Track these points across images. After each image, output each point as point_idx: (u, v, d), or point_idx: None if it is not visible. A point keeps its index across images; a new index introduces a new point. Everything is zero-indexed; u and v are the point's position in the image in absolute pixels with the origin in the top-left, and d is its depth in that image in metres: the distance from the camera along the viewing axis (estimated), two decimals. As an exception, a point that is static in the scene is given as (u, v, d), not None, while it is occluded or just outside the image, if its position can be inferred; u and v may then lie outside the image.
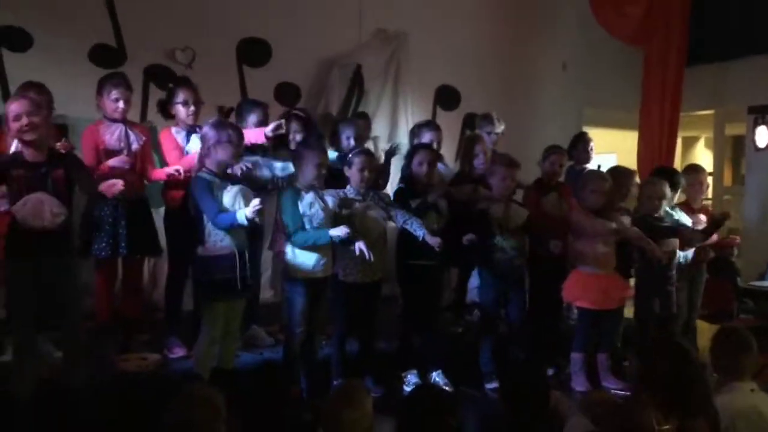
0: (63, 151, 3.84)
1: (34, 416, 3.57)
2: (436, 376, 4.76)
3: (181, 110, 4.65)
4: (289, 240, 4.24)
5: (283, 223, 4.28)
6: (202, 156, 4.01)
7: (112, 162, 4.27)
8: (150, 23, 5.69)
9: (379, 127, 6.60)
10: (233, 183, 4.00)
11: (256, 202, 3.82)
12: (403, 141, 6.54)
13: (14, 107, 3.61)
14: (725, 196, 8.87)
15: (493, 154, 5.44)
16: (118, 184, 3.87)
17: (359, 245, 4.21)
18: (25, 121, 3.58)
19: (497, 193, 4.89)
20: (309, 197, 4.23)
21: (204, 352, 3.99)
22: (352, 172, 4.50)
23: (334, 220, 4.31)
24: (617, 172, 5.44)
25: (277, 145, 5.08)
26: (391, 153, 5.28)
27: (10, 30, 5.21)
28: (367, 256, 4.22)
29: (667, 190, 5.20)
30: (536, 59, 7.80)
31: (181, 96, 4.66)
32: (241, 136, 4.10)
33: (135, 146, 4.42)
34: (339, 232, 4.16)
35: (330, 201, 4.32)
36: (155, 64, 5.77)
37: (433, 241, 4.44)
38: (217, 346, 4.03)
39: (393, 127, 6.67)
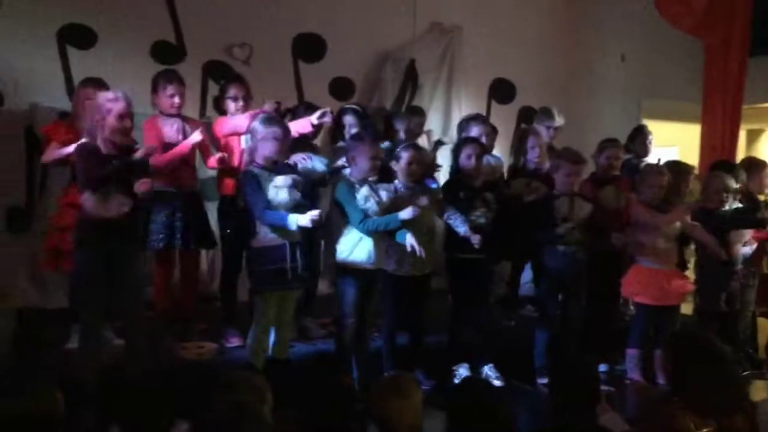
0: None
1: (98, 402, 3.70)
2: (488, 370, 4.77)
3: (231, 105, 4.76)
4: (357, 228, 4.25)
5: (341, 215, 4.32)
6: (251, 150, 4.10)
7: (193, 138, 4.40)
8: (208, 20, 5.83)
9: (432, 121, 6.60)
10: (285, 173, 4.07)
11: (315, 213, 3.87)
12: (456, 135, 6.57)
13: (121, 106, 3.72)
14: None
15: (560, 150, 5.36)
16: (146, 183, 3.87)
17: (410, 241, 4.22)
18: (128, 123, 3.75)
19: (562, 188, 4.85)
20: (364, 191, 4.25)
21: (256, 342, 4.08)
22: (400, 167, 4.51)
23: (388, 213, 4.34)
24: (675, 167, 5.34)
25: (332, 139, 5.15)
26: (435, 147, 5.27)
27: (74, 27, 5.39)
28: (418, 252, 4.24)
29: (733, 183, 5.09)
30: (594, 51, 7.70)
31: (231, 91, 4.77)
32: (287, 132, 4.15)
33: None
34: (408, 213, 4.17)
35: (384, 195, 4.35)
36: (214, 60, 5.90)
37: (474, 238, 4.44)
38: (269, 335, 4.11)
39: (446, 121, 6.66)
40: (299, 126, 4.63)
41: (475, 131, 5.27)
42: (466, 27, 6.81)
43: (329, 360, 4.43)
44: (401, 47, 6.65)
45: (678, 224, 4.87)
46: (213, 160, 4.60)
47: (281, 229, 3.96)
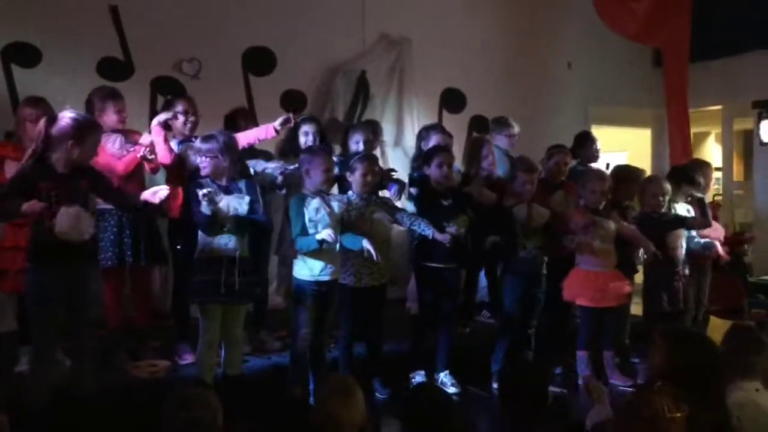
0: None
1: (48, 425, 3.65)
2: (444, 377, 4.80)
3: (178, 120, 4.73)
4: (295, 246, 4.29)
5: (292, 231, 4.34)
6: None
7: (145, 138, 4.38)
8: (156, 35, 5.79)
9: (385, 132, 6.65)
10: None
11: (204, 191, 3.85)
12: (410, 144, 6.64)
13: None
14: (736, 191, 8.83)
15: (515, 159, 5.45)
16: (164, 189, 3.83)
17: (366, 246, 4.25)
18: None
19: (520, 196, 4.92)
20: (315, 202, 4.27)
21: (203, 356, 4.07)
22: (355, 177, 4.54)
23: (341, 224, 4.37)
24: (625, 171, 5.46)
25: (286, 149, 5.16)
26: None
27: (18, 46, 5.34)
28: (375, 257, 4.26)
29: (669, 186, 5.22)
30: (541, 59, 7.81)
31: (179, 107, 4.74)
32: (228, 147, 4.13)
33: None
34: (323, 236, 4.13)
35: (336, 206, 4.37)
36: (162, 75, 5.86)
37: (442, 237, 4.48)
38: (216, 350, 4.10)
39: (399, 131, 6.72)
40: (261, 133, 4.65)
41: (435, 140, 5.33)
42: (415, 38, 6.88)
43: (285, 374, 4.42)
44: (352, 59, 6.69)
45: (613, 226, 4.97)
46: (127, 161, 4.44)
47: (222, 238, 4.00)
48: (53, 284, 3.63)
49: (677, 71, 7.31)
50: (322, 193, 4.34)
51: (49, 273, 3.64)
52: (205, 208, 3.87)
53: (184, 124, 4.72)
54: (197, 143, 4.17)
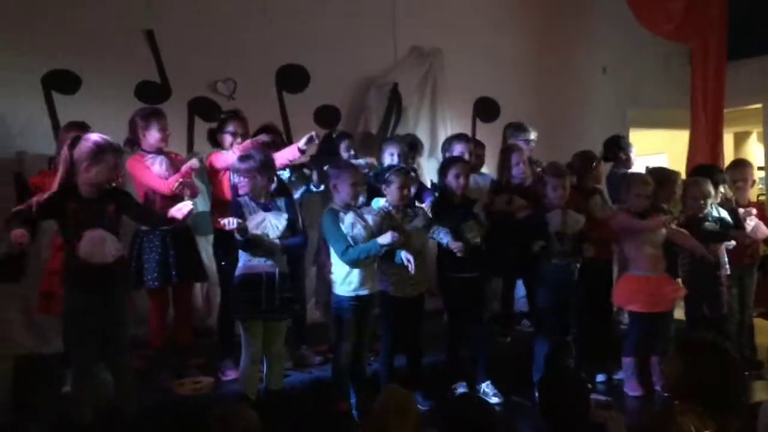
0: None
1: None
2: (486, 387, 4.77)
3: (228, 140, 4.82)
4: (341, 259, 4.31)
5: (327, 245, 4.37)
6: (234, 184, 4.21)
7: (188, 165, 4.46)
8: (191, 57, 5.90)
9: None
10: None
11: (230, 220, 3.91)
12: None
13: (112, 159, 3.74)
14: (780, 189, 8.65)
15: (545, 166, 5.41)
16: (188, 205, 3.93)
17: (405, 255, 4.26)
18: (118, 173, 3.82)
19: (553, 202, 4.89)
20: (349, 218, 4.30)
21: (245, 372, 4.12)
22: (391, 190, 4.56)
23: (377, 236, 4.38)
24: (660, 174, 5.39)
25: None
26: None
27: (58, 73, 5.48)
28: (411, 268, 4.27)
29: (711, 189, 5.13)
30: (575, 64, 7.77)
31: (231, 126, 4.84)
32: (265, 164, 4.20)
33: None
34: (387, 239, 4.20)
35: (370, 219, 4.40)
36: (199, 96, 5.97)
37: (455, 246, 4.48)
38: (259, 365, 4.14)
39: (433, 143, 6.71)
40: (288, 154, 4.68)
41: (458, 149, 5.33)
42: (446, 48, 6.88)
43: (326, 387, 4.44)
44: (383, 72, 6.72)
45: (663, 231, 4.90)
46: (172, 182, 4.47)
47: (264, 255, 4.05)
48: (85, 306, 3.69)
49: (714, 70, 7.18)
50: (353, 208, 4.37)
51: (80, 295, 3.70)
52: (237, 236, 3.93)
53: (231, 144, 4.78)
54: (235, 162, 4.22)
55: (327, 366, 4.69)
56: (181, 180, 4.38)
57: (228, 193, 4.70)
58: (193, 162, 4.52)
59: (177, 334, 4.71)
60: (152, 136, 4.55)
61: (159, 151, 4.59)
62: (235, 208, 4.08)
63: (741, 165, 5.80)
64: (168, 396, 4.36)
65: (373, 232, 4.34)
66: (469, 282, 4.74)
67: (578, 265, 4.90)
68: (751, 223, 5.31)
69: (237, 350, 4.66)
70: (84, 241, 3.63)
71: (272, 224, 4.10)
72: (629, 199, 4.97)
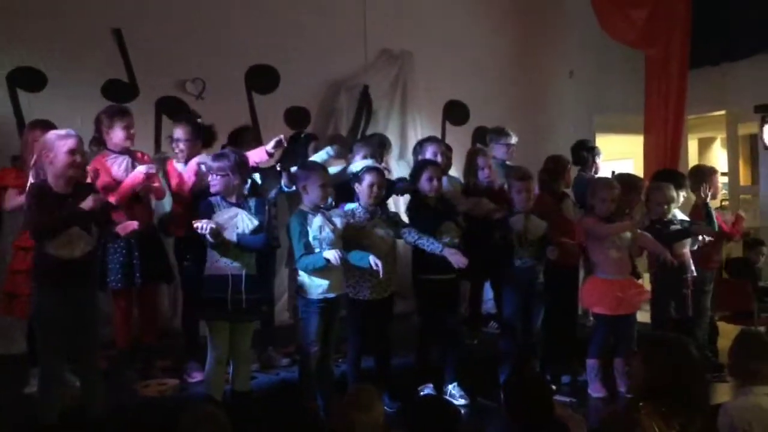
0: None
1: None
2: (452, 389, 4.80)
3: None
4: (297, 264, 4.32)
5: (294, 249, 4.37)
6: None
7: (141, 169, 4.39)
8: (159, 56, 5.85)
9: (389, 146, 6.68)
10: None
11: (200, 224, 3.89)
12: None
13: (71, 142, 3.69)
14: (742, 195, 8.81)
15: (509, 169, 5.48)
16: (133, 224, 3.95)
17: (373, 260, 4.26)
18: (78, 158, 3.72)
19: (518, 206, 4.95)
20: (317, 220, 4.30)
21: (211, 373, 4.09)
22: (362, 188, 4.58)
23: (343, 239, 4.39)
24: (626, 179, 5.47)
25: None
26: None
27: (24, 70, 5.40)
28: (380, 273, 4.28)
29: (674, 194, 5.23)
30: (543, 69, 7.85)
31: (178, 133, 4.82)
32: (239, 165, 4.17)
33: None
34: (330, 255, 4.17)
35: (338, 221, 4.40)
36: (167, 96, 5.92)
37: (456, 260, 4.50)
38: (224, 366, 4.12)
39: (403, 145, 6.74)
40: (255, 156, 4.67)
41: (430, 151, 5.36)
42: (416, 52, 6.92)
43: (293, 389, 4.43)
44: (354, 74, 6.73)
45: (629, 234, 4.98)
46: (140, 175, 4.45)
47: (230, 256, 4.02)
48: (53, 306, 3.66)
49: (676, 77, 7.30)
50: (322, 209, 4.37)
51: (50, 294, 3.68)
52: (210, 238, 3.91)
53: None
54: (209, 161, 4.18)
55: (294, 368, 4.68)
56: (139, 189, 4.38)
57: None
58: (142, 168, 4.43)
59: (142, 334, 4.67)
60: (116, 135, 4.50)
61: (124, 151, 4.55)
62: (205, 209, 4.05)
63: (701, 171, 5.92)
64: (133, 397, 4.32)
65: (341, 235, 4.35)
66: (444, 283, 4.77)
67: (542, 268, 4.96)
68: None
69: (203, 352, 4.63)
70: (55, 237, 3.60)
71: (244, 220, 4.07)
72: (595, 203, 5.04)
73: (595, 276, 5.05)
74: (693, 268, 5.33)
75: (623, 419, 2.67)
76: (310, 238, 4.26)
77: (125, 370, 4.53)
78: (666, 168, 6.51)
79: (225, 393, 4.15)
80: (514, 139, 5.98)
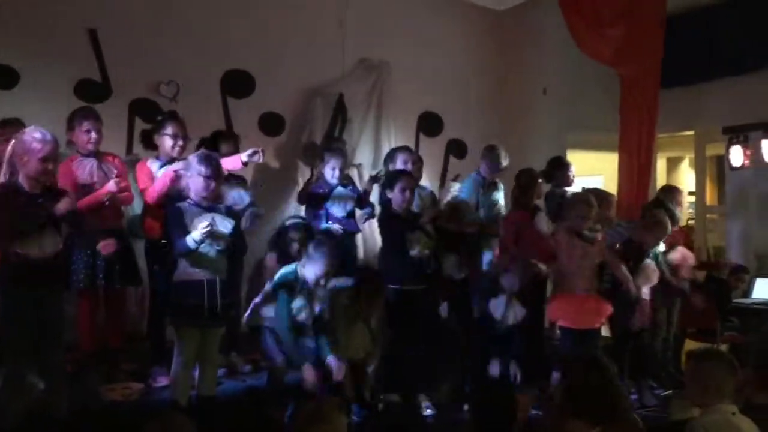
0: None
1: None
2: (420, 398, 4.78)
3: (168, 142, 4.72)
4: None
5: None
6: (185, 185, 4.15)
7: (108, 188, 4.36)
8: (134, 58, 5.81)
9: (363, 155, 6.72)
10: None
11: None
12: (387, 167, 6.69)
13: (47, 149, 3.64)
14: (709, 215, 8.95)
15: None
16: (111, 245, 4.03)
17: (334, 363, 4.31)
18: (51, 166, 3.69)
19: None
20: (299, 302, 4.33)
21: (177, 378, 4.05)
22: (395, 193, 4.80)
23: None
24: (597, 195, 5.53)
25: None
26: (371, 181, 5.40)
27: (-4, 68, 5.32)
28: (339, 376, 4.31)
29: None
30: (518, 85, 7.92)
31: (170, 128, 4.74)
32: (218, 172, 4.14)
33: (108, 178, 4.48)
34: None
35: (317, 309, 4.43)
36: (140, 98, 5.87)
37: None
38: (190, 371, 4.08)
39: (376, 154, 6.76)
40: (229, 163, 4.64)
41: (401, 160, 5.39)
42: (393, 62, 6.95)
43: (259, 396, 4.41)
44: (330, 82, 6.74)
45: (599, 251, 5.03)
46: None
47: (201, 264, 3.98)
48: (19, 306, 3.62)
49: (649, 97, 7.41)
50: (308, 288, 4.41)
51: (16, 294, 3.63)
52: (192, 242, 3.87)
53: (173, 147, 4.70)
54: (194, 164, 4.09)
55: (259, 374, 4.66)
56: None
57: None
58: (110, 186, 4.39)
59: (107, 337, 4.62)
60: (80, 138, 4.47)
61: (90, 154, 4.50)
62: (175, 216, 4.00)
63: (669, 191, 6.02)
64: (97, 400, 4.26)
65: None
66: (412, 294, 4.77)
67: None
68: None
69: (169, 356, 4.60)
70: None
71: (221, 222, 4.03)
72: (570, 218, 5.06)
73: (562, 289, 5.09)
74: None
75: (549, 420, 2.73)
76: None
77: (90, 373, 4.46)
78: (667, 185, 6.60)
79: (190, 398, 4.11)
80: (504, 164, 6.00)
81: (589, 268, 5.01)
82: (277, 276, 4.41)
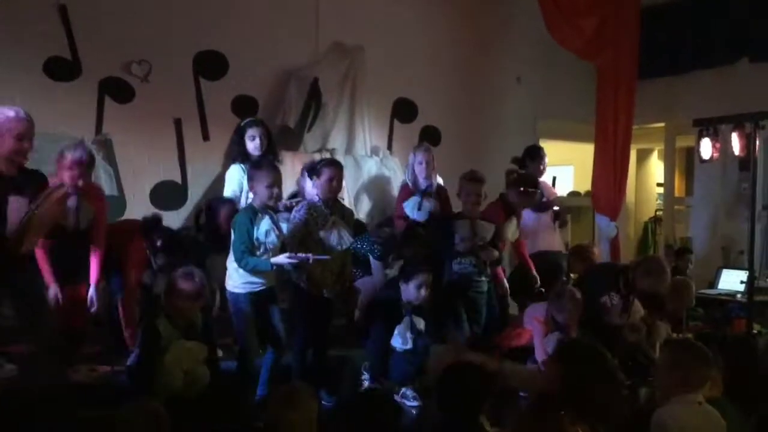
0: None
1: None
2: (405, 390, 4.68)
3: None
4: (235, 260, 4.28)
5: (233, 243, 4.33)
6: None
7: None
8: (105, 36, 5.68)
9: (337, 140, 6.68)
10: None
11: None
12: (360, 153, 6.68)
13: (20, 127, 3.58)
14: (676, 206, 9.08)
15: (464, 173, 5.47)
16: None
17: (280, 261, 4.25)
18: (27, 145, 3.62)
19: (464, 209, 5.05)
20: (265, 224, 4.28)
21: None
22: (321, 182, 4.58)
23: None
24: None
25: (234, 153, 5.16)
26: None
27: (-39, 43, 5.19)
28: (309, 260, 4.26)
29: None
30: (491, 73, 7.92)
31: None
32: None
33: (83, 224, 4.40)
34: (279, 260, 4.21)
35: (285, 227, 4.40)
36: (111, 76, 5.76)
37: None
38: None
39: (350, 140, 6.73)
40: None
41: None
42: (368, 47, 6.89)
43: (230, 380, 4.37)
44: (304, 66, 6.66)
45: None
46: None
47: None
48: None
49: (624, 88, 7.47)
50: (270, 212, 4.34)
51: None
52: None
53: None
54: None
55: (230, 360, 4.63)
56: None
57: None
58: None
59: (70, 318, 4.47)
60: (62, 174, 4.25)
61: (75, 191, 4.32)
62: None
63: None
64: (63, 381, 4.19)
65: (283, 243, 4.36)
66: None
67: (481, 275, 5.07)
68: None
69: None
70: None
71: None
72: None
73: None
74: None
75: (544, 423, 2.68)
76: (254, 239, 4.24)
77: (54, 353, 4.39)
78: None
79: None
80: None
81: None
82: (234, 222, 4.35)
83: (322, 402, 4.55)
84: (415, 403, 4.61)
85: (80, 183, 4.27)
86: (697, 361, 3.19)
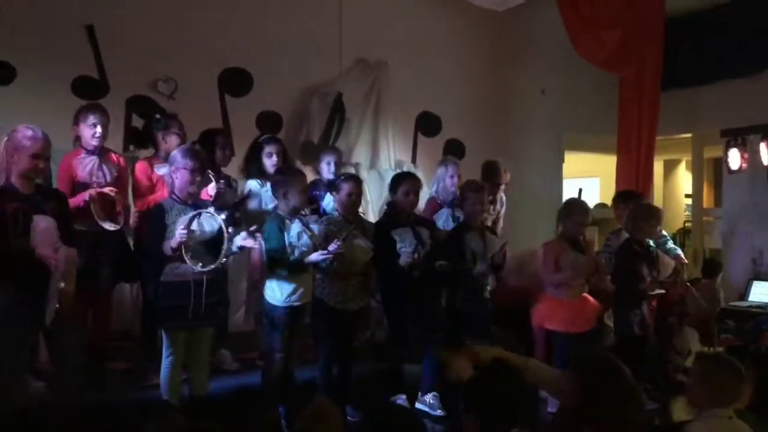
0: None
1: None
2: (430, 399, 4.72)
3: (174, 141, 4.78)
4: (269, 268, 4.28)
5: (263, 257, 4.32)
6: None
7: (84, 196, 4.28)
8: (132, 54, 5.77)
9: (360, 155, 6.70)
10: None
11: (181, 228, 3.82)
12: (384, 167, 6.70)
13: (38, 146, 3.63)
14: (705, 217, 8.96)
15: (465, 182, 5.45)
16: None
17: (315, 259, 4.25)
18: (42, 164, 3.67)
19: (469, 219, 5.00)
20: (296, 227, 4.29)
21: (167, 378, 4.02)
22: (340, 198, 4.58)
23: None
24: (649, 209, 5.54)
25: (251, 170, 5.19)
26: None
27: (-8, 63, 5.29)
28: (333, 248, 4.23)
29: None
30: (516, 86, 7.91)
31: (177, 128, 4.82)
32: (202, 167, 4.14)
33: (106, 179, 4.43)
34: (315, 258, 4.22)
35: (316, 228, 4.40)
36: (138, 95, 5.84)
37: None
38: (179, 369, 4.05)
39: (374, 154, 6.75)
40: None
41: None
42: (391, 62, 6.93)
43: (252, 395, 4.38)
44: (328, 82, 6.72)
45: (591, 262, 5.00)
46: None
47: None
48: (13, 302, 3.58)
49: (648, 99, 7.41)
50: (299, 216, 4.35)
51: (17, 292, 3.58)
52: (169, 249, 3.84)
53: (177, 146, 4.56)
54: (178, 158, 4.05)
55: (248, 373, 4.63)
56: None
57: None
58: (85, 196, 4.28)
59: (94, 335, 4.53)
60: (85, 132, 4.42)
61: (95, 150, 4.44)
62: (158, 215, 3.96)
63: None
64: (87, 398, 4.22)
65: (315, 244, 4.32)
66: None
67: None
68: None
69: (160, 355, 4.57)
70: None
71: (208, 221, 3.96)
72: (567, 225, 4.98)
73: (549, 295, 5.01)
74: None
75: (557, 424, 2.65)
76: (286, 244, 4.24)
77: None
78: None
79: (183, 397, 4.09)
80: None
81: (581, 278, 4.96)
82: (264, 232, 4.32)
83: (348, 417, 4.56)
84: (439, 413, 4.60)
85: (101, 141, 4.40)
86: (729, 376, 3.14)
